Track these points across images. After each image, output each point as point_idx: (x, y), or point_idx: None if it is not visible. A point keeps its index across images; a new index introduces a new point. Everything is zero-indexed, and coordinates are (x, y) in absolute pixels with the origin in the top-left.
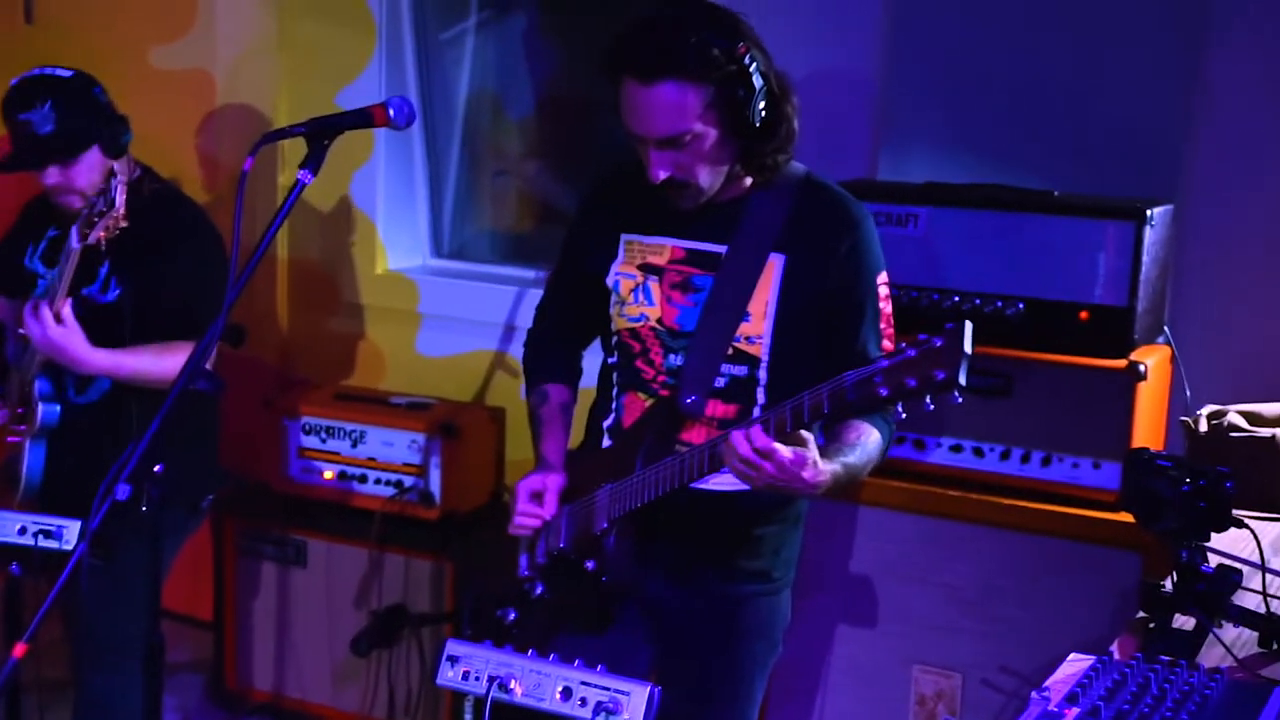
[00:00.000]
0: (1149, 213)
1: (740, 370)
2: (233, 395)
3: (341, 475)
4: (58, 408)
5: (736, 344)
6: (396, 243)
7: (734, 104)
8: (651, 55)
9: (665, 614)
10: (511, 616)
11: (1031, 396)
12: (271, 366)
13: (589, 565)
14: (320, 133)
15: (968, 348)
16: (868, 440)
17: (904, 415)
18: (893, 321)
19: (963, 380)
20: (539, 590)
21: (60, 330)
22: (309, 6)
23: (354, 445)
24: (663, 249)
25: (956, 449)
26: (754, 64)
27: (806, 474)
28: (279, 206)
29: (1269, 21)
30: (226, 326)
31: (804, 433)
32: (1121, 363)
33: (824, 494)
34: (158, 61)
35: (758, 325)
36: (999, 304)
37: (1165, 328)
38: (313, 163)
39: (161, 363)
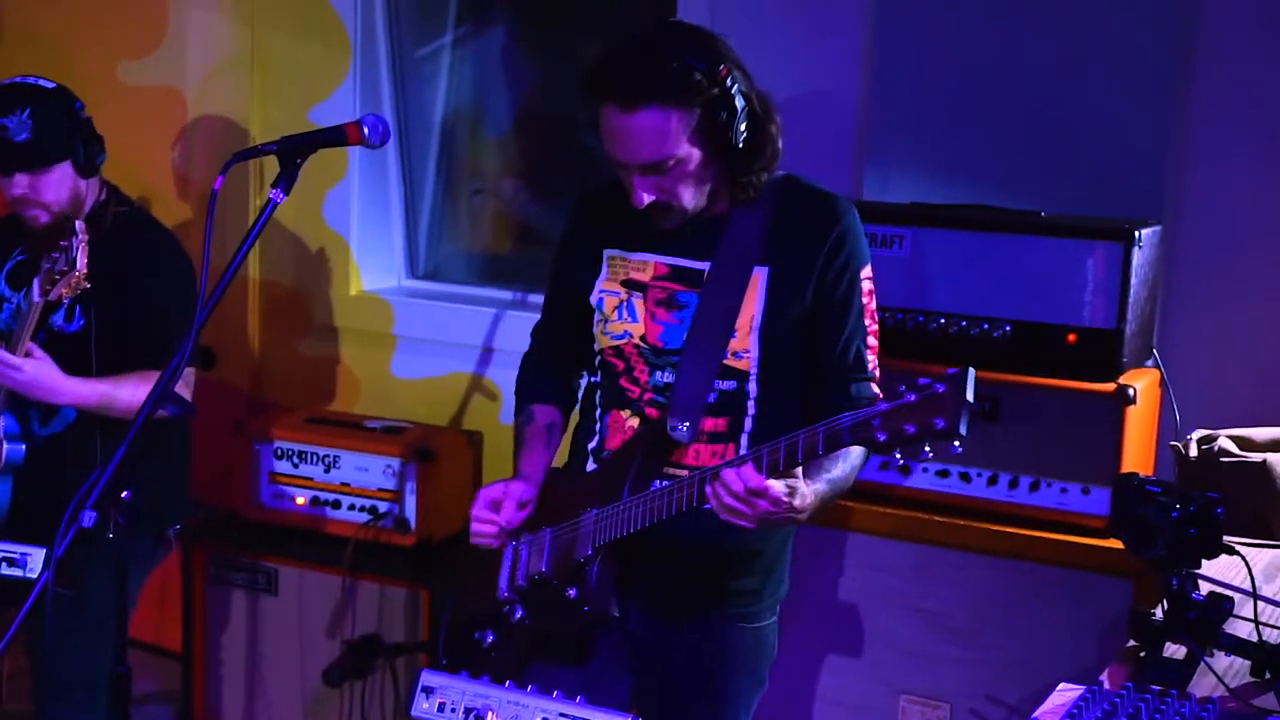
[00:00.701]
0: (1137, 234)
1: (729, 385)
2: (203, 419)
3: (314, 501)
4: (23, 447)
5: (724, 360)
6: (371, 264)
7: (717, 126)
8: (633, 82)
9: (645, 646)
10: (489, 639)
11: (1019, 421)
12: (243, 390)
13: (570, 593)
14: (293, 151)
15: (969, 396)
16: (853, 455)
17: (900, 460)
18: (876, 317)
19: (963, 430)
20: (519, 614)
21: (33, 365)
22: (282, 21)
23: (327, 470)
24: (646, 265)
25: (943, 474)
26: (735, 85)
27: (796, 502)
28: (250, 226)
29: (1257, 43)
30: (196, 349)
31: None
32: (1110, 386)
33: (809, 517)
34: (127, 77)
35: (744, 340)
36: (985, 326)
37: (1154, 350)
38: (285, 182)
39: (133, 391)
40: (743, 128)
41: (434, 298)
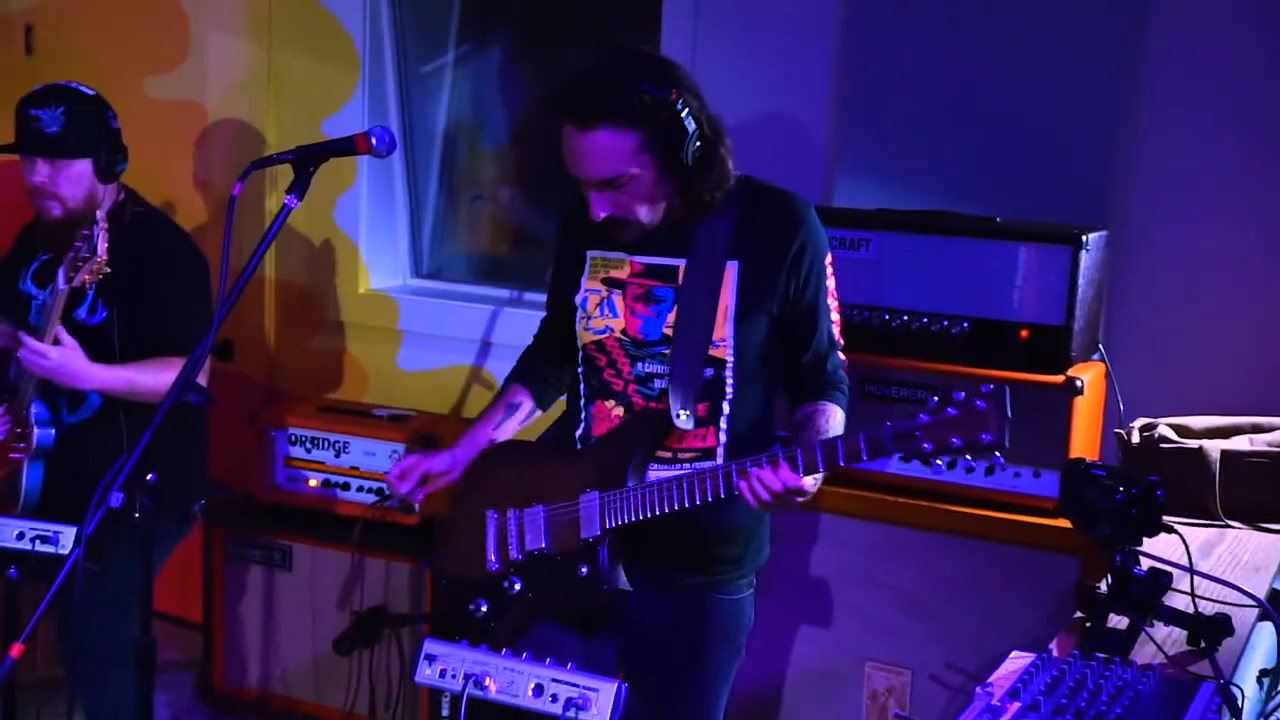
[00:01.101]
0: (1085, 238)
1: (709, 372)
2: (222, 408)
3: (325, 483)
4: (53, 432)
5: (708, 347)
6: (378, 264)
7: (667, 146)
8: (587, 103)
9: (634, 612)
10: (484, 609)
11: None
12: (259, 381)
13: (582, 570)
14: (306, 160)
15: (1009, 412)
16: (838, 422)
17: (939, 463)
18: (836, 294)
19: (1007, 444)
20: (517, 587)
21: (59, 352)
22: (296, 40)
23: (337, 455)
24: (623, 264)
25: (907, 459)
26: (686, 109)
27: (811, 489)
28: (267, 229)
29: (1201, 62)
30: (216, 342)
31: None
32: (1059, 378)
33: None
34: (152, 91)
35: (720, 330)
36: (944, 323)
37: (1100, 345)
38: (299, 188)
39: (155, 377)
40: (693, 148)
41: (436, 296)
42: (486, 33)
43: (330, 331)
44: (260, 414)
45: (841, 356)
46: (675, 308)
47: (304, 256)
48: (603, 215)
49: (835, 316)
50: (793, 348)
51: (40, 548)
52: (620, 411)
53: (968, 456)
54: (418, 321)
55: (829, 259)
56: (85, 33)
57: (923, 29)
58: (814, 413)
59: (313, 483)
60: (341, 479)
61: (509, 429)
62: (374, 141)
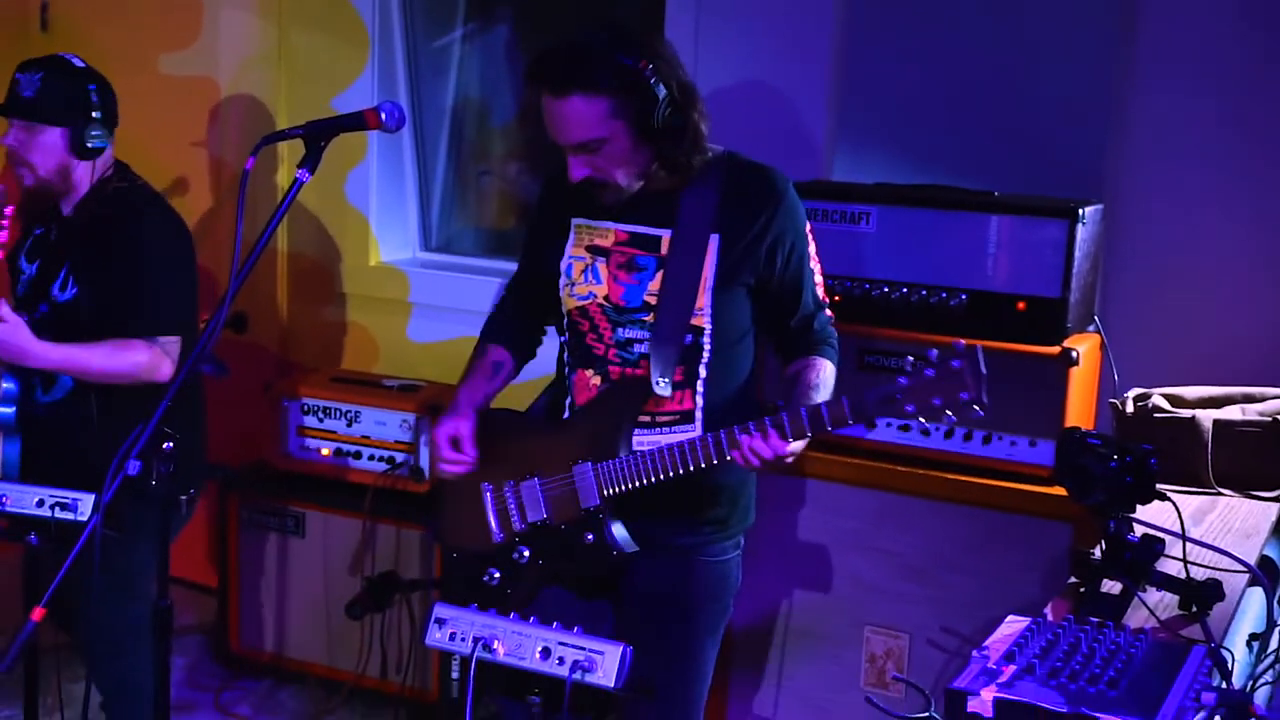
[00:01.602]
0: (1081, 211)
1: (687, 339)
2: (236, 379)
3: (337, 452)
4: (13, 410)
5: (690, 315)
6: (388, 237)
7: (639, 112)
8: (561, 72)
9: (628, 573)
10: (496, 576)
11: None
12: (272, 352)
13: (588, 538)
14: (317, 135)
15: (984, 369)
16: (827, 375)
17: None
18: (819, 259)
19: (986, 400)
20: (526, 556)
21: (3, 329)
22: (307, 18)
23: (349, 424)
24: (607, 232)
25: (904, 428)
26: (655, 76)
27: (797, 450)
28: (279, 203)
29: (1189, 44)
30: (230, 315)
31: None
32: (1055, 349)
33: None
34: (166, 68)
35: (700, 298)
36: (943, 295)
37: (1095, 317)
38: (310, 163)
39: (108, 359)
40: (663, 113)
41: (445, 268)
42: (493, 10)
43: (341, 303)
44: (273, 384)
45: (828, 314)
46: (658, 276)
47: (315, 230)
48: (580, 177)
49: (819, 279)
50: (779, 314)
51: (60, 514)
52: (598, 381)
53: (949, 414)
54: (427, 294)
55: (808, 227)
56: (100, 10)
57: (923, 6)
58: (804, 368)
59: (325, 451)
60: (353, 448)
61: (496, 386)
62: (384, 117)
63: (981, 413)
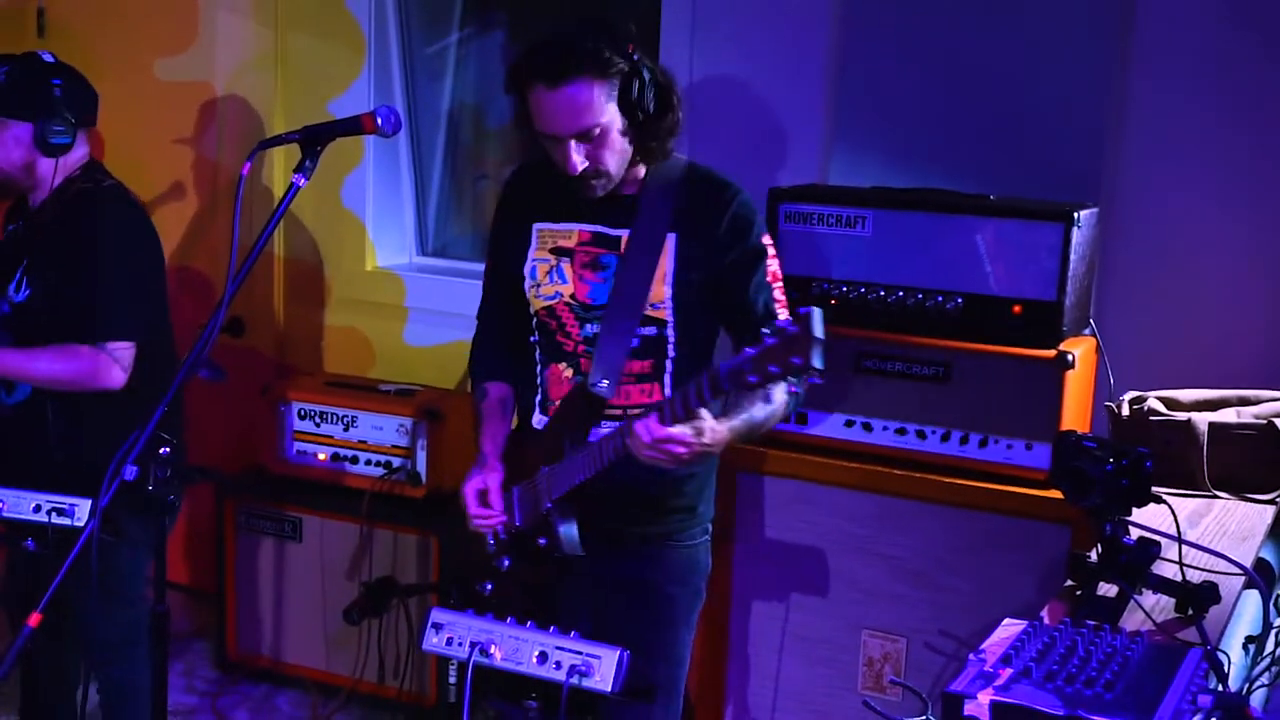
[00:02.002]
0: (1076, 215)
1: (650, 331)
2: (233, 383)
3: (334, 457)
4: None
5: (644, 311)
6: (385, 242)
7: (630, 95)
8: (557, 61)
9: (594, 568)
10: (489, 588)
11: (969, 383)
12: (269, 356)
13: (541, 542)
14: (313, 139)
15: (818, 333)
16: (772, 394)
17: (800, 390)
18: (779, 275)
19: (818, 364)
20: (506, 564)
21: None
22: (303, 22)
23: (346, 429)
24: (571, 233)
25: (901, 431)
26: (641, 60)
27: (707, 439)
28: (275, 207)
29: (1185, 50)
30: (227, 319)
31: (702, 411)
32: (1051, 353)
33: (726, 448)
34: (162, 73)
35: (660, 292)
36: (939, 299)
37: (1091, 320)
38: (306, 167)
39: (51, 365)
40: (650, 95)
41: (442, 273)
42: (489, 15)
43: (338, 308)
44: (270, 389)
45: None
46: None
47: (312, 235)
48: (581, 167)
49: (779, 296)
50: (730, 319)
51: (57, 520)
52: (570, 373)
53: (791, 381)
54: (423, 298)
55: (767, 239)
56: (96, 15)
57: (919, 10)
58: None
59: (322, 456)
60: (350, 452)
61: (509, 424)
62: (380, 121)
63: (817, 379)
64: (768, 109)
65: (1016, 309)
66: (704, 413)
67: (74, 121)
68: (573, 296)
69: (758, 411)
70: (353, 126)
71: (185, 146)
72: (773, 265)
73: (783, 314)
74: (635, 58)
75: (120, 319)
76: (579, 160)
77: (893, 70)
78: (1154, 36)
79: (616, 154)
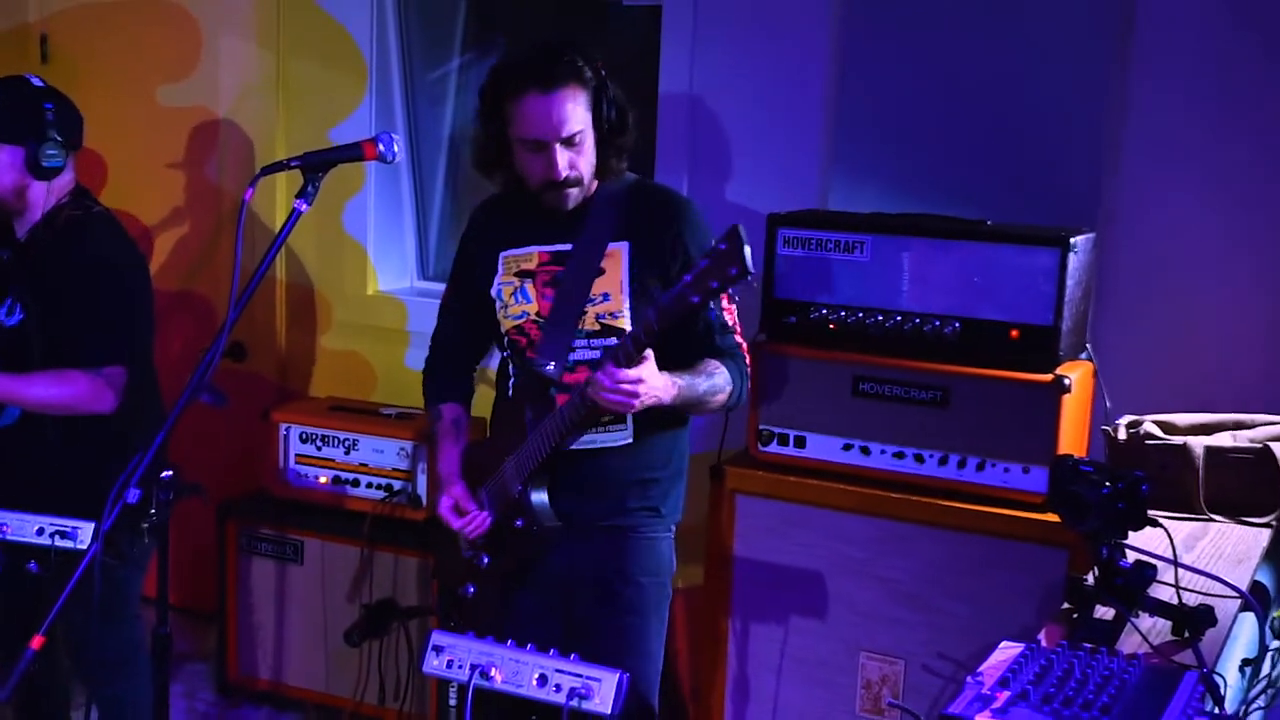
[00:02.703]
0: (1072, 240)
1: (610, 341)
2: (235, 407)
3: (335, 480)
4: None
5: (603, 320)
6: (386, 266)
7: (600, 109)
8: (548, 69)
9: (562, 557)
10: (471, 590)
11: (966, 407)
12: (271, 380)
13: (518, 524)
14: (315, 165)
15: (744, 239)
16: (716, 372)
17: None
18: (732, 300)
19: (752, 269)
20: (485, 561)
21: None
22: (305, 49)
23: (347, 452)
24: (531, 256)
25: (899, 455)
26: (607, 79)
27: (660, 383)
28: (277, 233)
29: (1186, 65)
30: (229, 344)
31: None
32: (1048, 377)
33: (683, 405)
34: (165, 99)
35: (618, 302)
36: (937, 323)
37: (1088, 345)
38: (308, 193)
39: (45, 390)
40: (614, 112)
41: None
42: (489, 41)
43: (339, 332)
44: (272, 412)
45: (737, 339)
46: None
47: (313, 260)
48: (566, 172)
49: (726, 304)
50: (682, 326)
51: (59, 543)
52: None
53: (731, 292)
54: (424, 322)
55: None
56: (100, 41)
57: (915, 37)
58: (702, 361)
59: (323, 479)
60: (351, 475)
61: (464, 442)
62: (381, 148)
63: (753, 281)
64: (767, 135)
65: (1014, 333)
66: (649, 354)
67: (64, 144)
68: (538, 314)
69: (700, 380)
70: (354, 153)
71: (188, 172)
72: None
73: (730, 319)
74: (603, 74)
75: (113, 344)
76: (564, 165)
77: (892, 95)
78: (1151, 57)
79: (590, 163)
